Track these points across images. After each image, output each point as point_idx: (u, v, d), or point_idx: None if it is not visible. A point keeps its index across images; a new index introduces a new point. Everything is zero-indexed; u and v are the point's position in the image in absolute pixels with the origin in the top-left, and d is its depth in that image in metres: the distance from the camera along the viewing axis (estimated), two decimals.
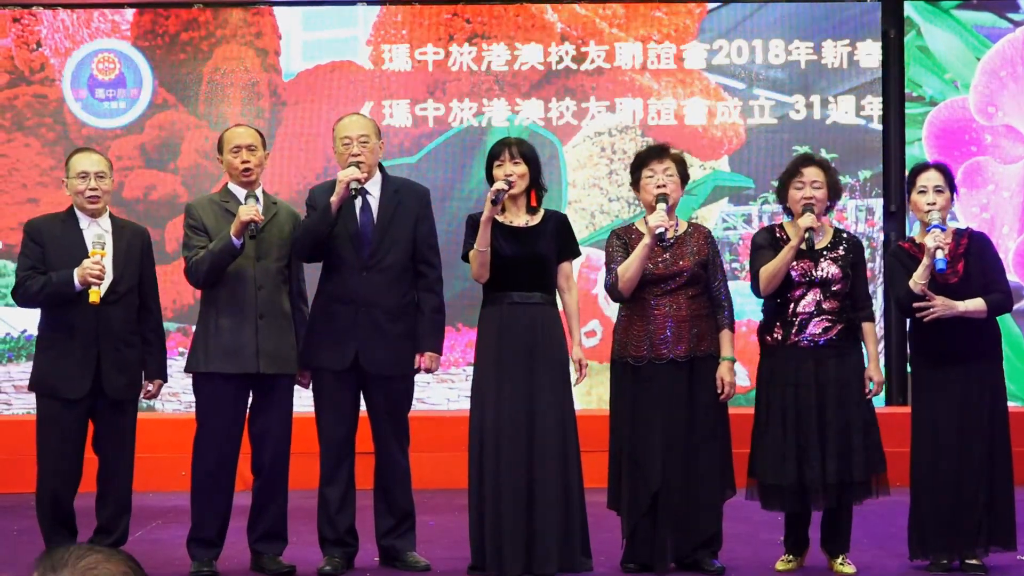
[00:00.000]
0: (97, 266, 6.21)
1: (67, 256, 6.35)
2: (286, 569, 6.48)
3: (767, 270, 6.35)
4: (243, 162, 6.50)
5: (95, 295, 6.20)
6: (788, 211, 6.55)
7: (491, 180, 6.39)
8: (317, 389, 6.56)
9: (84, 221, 6.48)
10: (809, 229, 6.25)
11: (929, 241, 6.17)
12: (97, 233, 6.37)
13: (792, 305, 6.38)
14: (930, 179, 6.38)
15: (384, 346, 6.43)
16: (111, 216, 6.58)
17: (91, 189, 6.44)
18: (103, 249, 6.28)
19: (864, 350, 6.47)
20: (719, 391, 6.39)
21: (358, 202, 6.47)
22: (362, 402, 6.58)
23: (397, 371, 6.50)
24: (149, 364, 6.55)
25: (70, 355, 6.34)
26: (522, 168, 6.35)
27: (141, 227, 6.77)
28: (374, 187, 6.55)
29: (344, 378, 6.46)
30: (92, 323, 6.32)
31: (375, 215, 6.50)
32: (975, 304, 6.25)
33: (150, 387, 6.57)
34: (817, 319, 6.36)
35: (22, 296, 6.45)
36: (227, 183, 6.62)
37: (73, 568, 2.33)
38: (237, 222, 6.28)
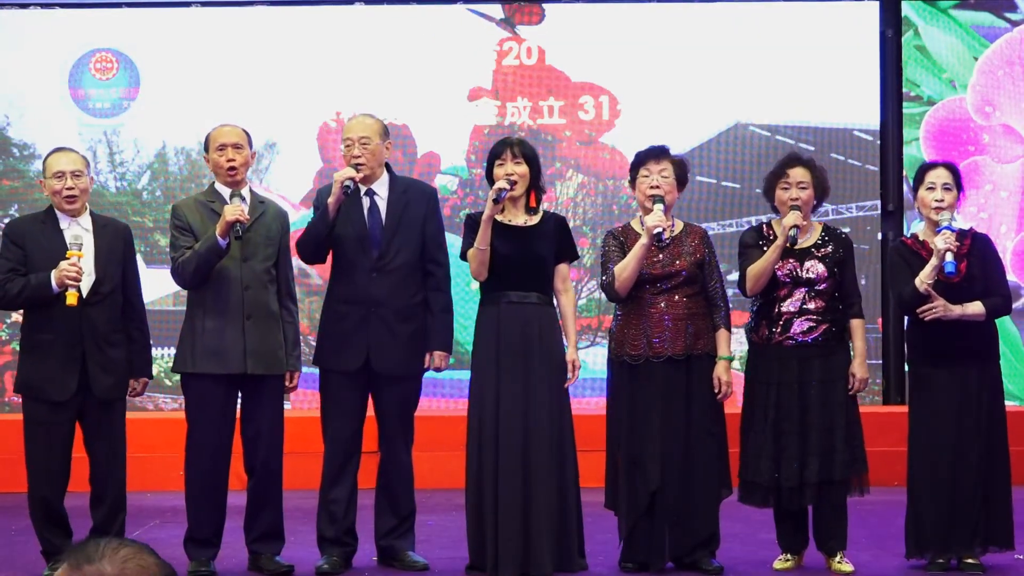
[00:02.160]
0: (73, 268, 5.20)
1: (47, 257, 5.32)
2: (284, 569, 5.54)
3: (753, 270, 5.49)
4: (228, 161, 5.51)
5: (72, 297, 5.17)
6: (776, 210, 5.64)
7: (491, 180, 5.51)
8: (325, 390, 5.64)
9: (64, 221, 5.43)
10: (794, 227, 5.39)
11: (940, 242, 5.28)
12: (75, 234, 5.34)
13: (777, 305, 5.49)
14: (939, 176, 5.47)
15: (395, 347, 5.53)
16: (92, 214, 5.54)
17: (68, 188, 5.39)
18: (80, 250, 5.27)
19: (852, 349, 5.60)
20: (716, 390, 5.49)
21: (366, 203, 5.58)
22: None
23: (407, 371, 5.61)
24: (135, 362, 5.52)
25: (54, 357, 5.32)
26: (523, 168, 5.47)
27: (123, 224, 5.74)
28: (381, 188, 5.62)
29: (354, 379, 5.54)
30: (76, 323, 5.29)
31: (383, 216, 5.58)
32: (974, 308, 5.38)
33: (135, 385, 5.55)
34: (800, 319, 5.47)
35: (1, 299, 5.42)
36: (213, 183, 5.63)
37: (112, 558, 2.03)
38: (222, 222, 5.33)
